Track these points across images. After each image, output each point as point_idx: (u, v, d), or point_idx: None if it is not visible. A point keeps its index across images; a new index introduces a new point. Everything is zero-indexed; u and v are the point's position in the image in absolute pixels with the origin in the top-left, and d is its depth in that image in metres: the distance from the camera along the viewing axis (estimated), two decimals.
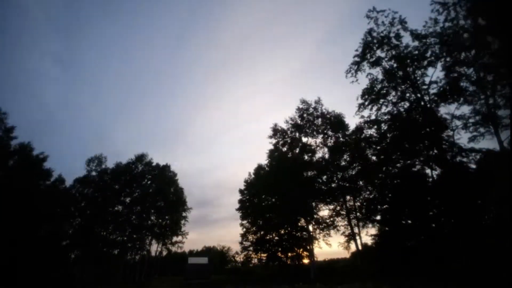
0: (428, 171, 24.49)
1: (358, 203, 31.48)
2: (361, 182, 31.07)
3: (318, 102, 33.85)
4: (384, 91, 24.54)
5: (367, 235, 30.28)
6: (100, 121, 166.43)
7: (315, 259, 35.29)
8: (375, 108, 25.03)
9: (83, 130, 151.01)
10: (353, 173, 31.61)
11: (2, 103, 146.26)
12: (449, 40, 19.96)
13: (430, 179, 24.38)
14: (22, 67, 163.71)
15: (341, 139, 32.78)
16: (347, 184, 31.72)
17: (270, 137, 35.04)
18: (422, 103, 22.96)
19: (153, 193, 46.81)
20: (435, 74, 22.59)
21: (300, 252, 43.34)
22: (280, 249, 44.62)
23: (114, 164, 47.71)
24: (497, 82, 17.95)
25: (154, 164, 49.66)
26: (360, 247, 29.53)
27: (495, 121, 19.10)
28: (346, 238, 31.60)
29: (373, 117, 25.26)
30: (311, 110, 33.77)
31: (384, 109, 24.85)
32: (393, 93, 24.44)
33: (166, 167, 51.06)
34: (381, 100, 24.76)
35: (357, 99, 25.56)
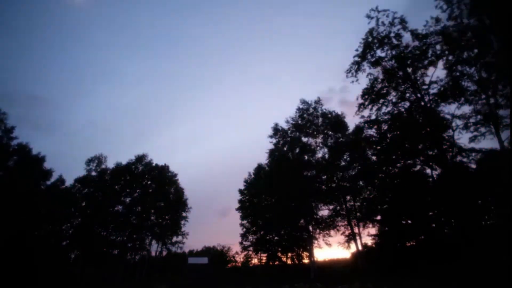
0: (428, 171, 24.50)
1: (358, 203, 31.45)
2: (361, 182, 31.04)
3: (318, 102, 33.88)
4: (384, 91, 24.55)
5: (367, 235, 30.28)
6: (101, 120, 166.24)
7: (315, 259, 35.24)
8: (375, 108, 25.06)
9: (83, 129, 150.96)
10: (353, 173, 31.58)
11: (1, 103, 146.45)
12: (452, 38, 19.91)
13: (430, 179, 24.38)
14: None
15: (341, 139, 32.76)
16: (347, 184, 31.69)
17: (271, 136, 35.05)
18: (422, 103, 22.96)
19: (153, 193, 46.78)
20: (435, 74, 22.61)
21: (300, 252, 43.40)
22: (280, 249, 44.68)
23: (114, 164, 47.68)
24: (498, 81, 17.91)
25: (154, 164, 49.70)
26: (360, 247, 29.50)
27: (496, 121, 19.07)
28: (346, 238, 31.53)
29: (373, 117, 25.29)
30: (311, 110, 33.79)
31: (384, 109, 24.90)
32: (393, 93, 24.46)
33: (166, 168, 51.09)
34: (381, 100, 24.77)
35: (357, 99, 25.58)
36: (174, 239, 50.47)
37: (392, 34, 23.31)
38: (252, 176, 49.29)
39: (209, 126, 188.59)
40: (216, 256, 67.57)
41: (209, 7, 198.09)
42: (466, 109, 21.60)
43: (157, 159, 53.72)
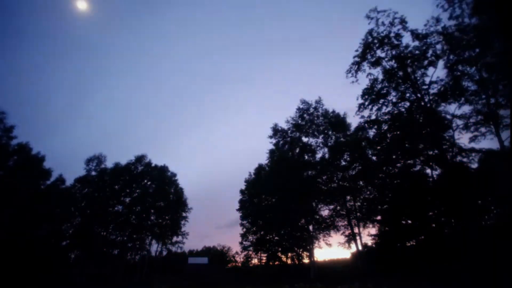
0: (428, 171, 24.50)
1: (358, 203, 31.45)
2: (361, 182, 31.04)
3: (318, 102, 33.83)
4: (384, 91, 24.51)
5: (367, 235, 30.31)
6: (100, 120, 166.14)
7: (315, 259, 35.24)
8: (375, 108, 25.00)
9: (83, 129, 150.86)
10: (353, 173, 31.57)
11: (2, 102, 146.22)
12: (453, 38, 19.87)
13: (430, 179, 24.37)
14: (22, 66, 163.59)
15: (341, 139, 32.73)
16: (347, 184, 31.68)
17: (270, 137, 35.05)
18: (422, 103, 22.94)
19: (153, 193, 46.76)
20: (435, 74, 22.60)
21: (300, 252, 43.39)
22: (280, 249, 44.67)
23: (113, 164, 47.53)
24: (499, 81, 17.89)
25: (153, 165, 49.70)
26: (360, 247, 29.51)
27: (496, 121, 19.07)
28: (346, 238, 31.56)
29: (373, 117, 25.23)
30: (311, 110, 33.76)
31: (384, 109, 24.83)
32: (393, 93, 24.42)
33: (165, 168, 51.05)
34: (381, 100, 24.73)
35: (357, 99, 25.54)
36: (174, 239, 50.48)
37: (392, 34, 23.29)
38: (253, 176, 49.32)
39: (213, 130, 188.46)
40: (216, 256, 67.57)
41: (219, 17, 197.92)
42: (466, 109, 21.62)
43: (161, 162, 53.71)
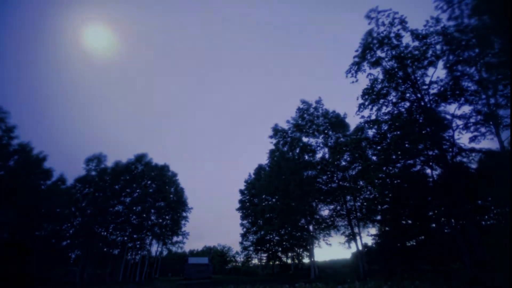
0: (428, 171, 24.51)
1: (359, 203, 31.50)
2: (361, 182, 31.08)
3: (318, 102, 33.86)
4: (384, 91, 24.49)
5: (367, 235, 30.34)
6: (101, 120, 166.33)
7: (315, 259, 35.32)
8: (375, 108, 24.95)
9: (83, 129, 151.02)
10: (354, 173, 31.62)
11: (2, 101, 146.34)
12: (453, 38, 19.89)
13: (431, 179, 24.40)
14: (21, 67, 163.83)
15: (341, 139, 32.79)
16: (348, 184, 31.73)
17: (271, 137, 35.12)
18: (422, 103, 22.96)
19: (153, 193, 46.82)
20: (435, 74, 22.61)
21: (300, 252, 43.51)
22: (280, 249, 44.79)
23: (113, 163, 47.38)
24: (499, 81, 17.90)
25: (153, 164, 49.66)
26: (360, 247, 29.54)
27: (496, 121, 19.08)
28: (346, 238, 31.61)
29: (373, 117, 25.17)
30: (311, 110, 33.80)
31: (384, 109, 24.79)
32: (393, 93, 24.39)
33: (166, 167, 51.07)
34: (381, 100, 24.71)
35: (357, 99, 25.55)
36: (175, 239, 50.64)
37: (392, 35, 23.29)
38: (253, 176, 49.42)
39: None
40: (216, 256, 67.73)
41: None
42: (466, 109, 21.65)
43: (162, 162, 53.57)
